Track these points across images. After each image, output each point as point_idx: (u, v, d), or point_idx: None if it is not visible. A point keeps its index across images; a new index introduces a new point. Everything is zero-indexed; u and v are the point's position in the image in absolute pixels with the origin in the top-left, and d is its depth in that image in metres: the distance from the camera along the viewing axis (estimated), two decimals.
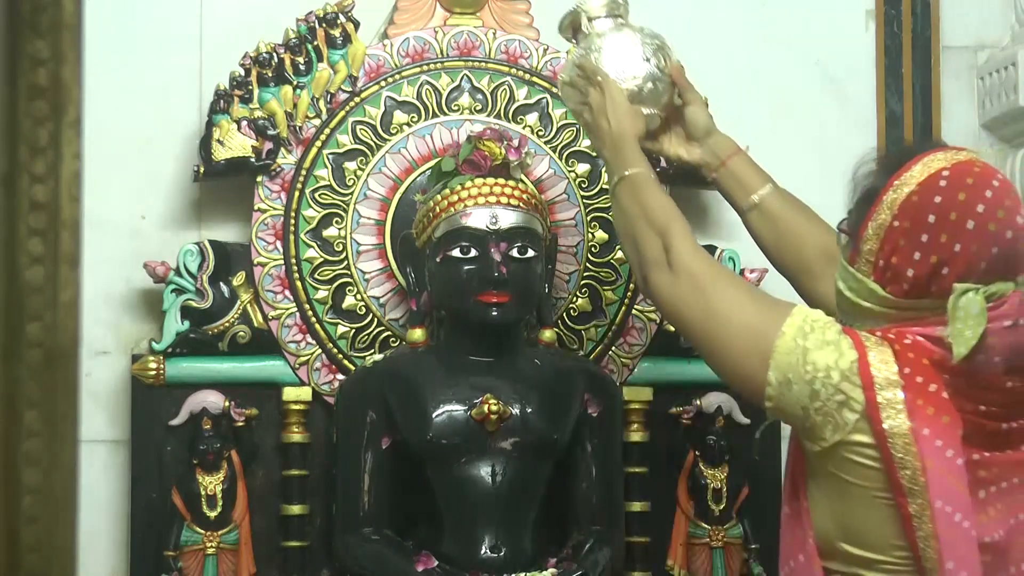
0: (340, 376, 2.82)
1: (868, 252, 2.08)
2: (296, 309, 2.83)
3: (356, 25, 2.88)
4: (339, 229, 2.84)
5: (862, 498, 2.04)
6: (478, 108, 2.90)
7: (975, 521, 1.99)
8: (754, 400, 2.14)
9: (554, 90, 2.89)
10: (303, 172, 2.84)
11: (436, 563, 2.59)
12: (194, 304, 2.79)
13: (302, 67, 2.85)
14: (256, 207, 2.83)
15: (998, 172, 2.10)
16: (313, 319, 2.83)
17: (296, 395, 2.82)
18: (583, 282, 2.91)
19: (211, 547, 2.77)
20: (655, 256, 2.29)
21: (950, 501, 1.98)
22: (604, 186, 2.92)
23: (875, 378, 2.01)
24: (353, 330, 2.84)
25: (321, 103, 2.85)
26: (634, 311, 2.94)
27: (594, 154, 2.93)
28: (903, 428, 1.99)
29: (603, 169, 2.70)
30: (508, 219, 2.68)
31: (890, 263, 2.06)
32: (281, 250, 2.83)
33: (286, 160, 2.84)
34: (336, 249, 2.84)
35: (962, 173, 2.06)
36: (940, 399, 2.01)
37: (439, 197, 2.71)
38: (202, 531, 2.77)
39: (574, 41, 2.61)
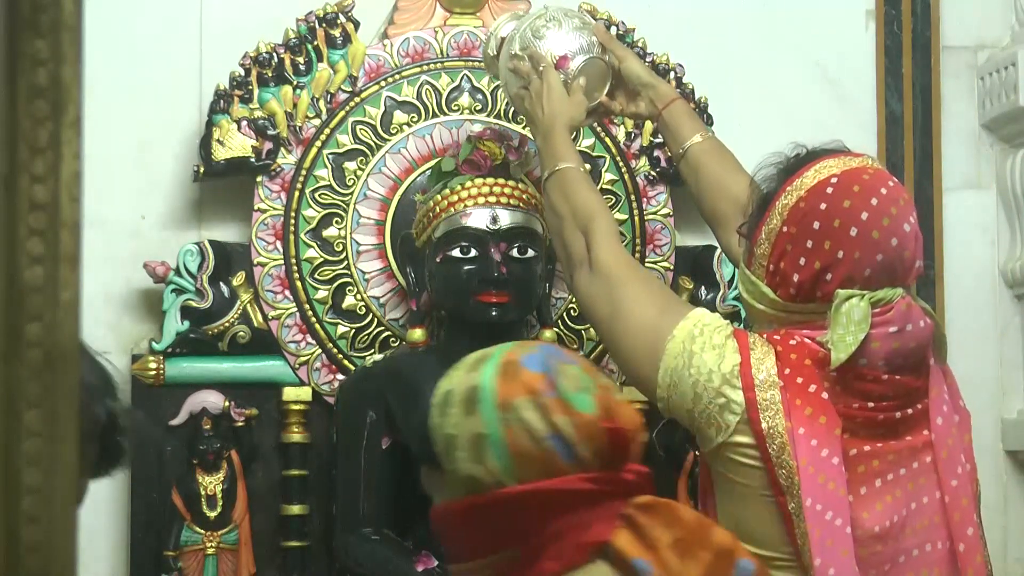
0: (340, 376, 2.82)
1: (761, 256, 2.13)
2: (296, 309, 2.83)
3: (356, 25, 2.88)
4: (339, 229, 2.84)
5: (750, 497, 2.08)
6: (478, 108, 2.91)
7: (849, 518, 2.03)
8: (652, 400, 2.19)
9: None
10: (303, 172, 2.84)
11: (436, 563, 2.59)
12: (194, 304, 2.79)
13: (302, 67, 2.85)
14: (256, 207, 2.83)
15: (889, 179, 2.14)
16: (313, 319, 2.83)
17: (296, 395, 2.82)
18: None
19: (211, 547, 2.77)
20: (580, 255, 2.34)
21: (821, 499, 2.02)
22: (604, 186, 2.93)
23: (755, 379, 2.05)
24: (353, 330, 2.84)
25: (321, 103, 2.85)
26: None
27: (593, 153, 2.94)
28: (780, 428, 2.04)
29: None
30: (508, 219, 2.69)
31: (779, 268, 2.11)
32: (281, 250, 2.83)
33: (286, 160, 2.84)
34: (336, 249, 2.84)
35: (850, 180, 2.10)
36: (819, 400, 2.05)
37: (439, 197, 2.71)
38: (202, 531, 2.77)
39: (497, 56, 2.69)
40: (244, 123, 2.81)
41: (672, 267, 2.96)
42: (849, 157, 2.14)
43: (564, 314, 2.91)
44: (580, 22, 2.63)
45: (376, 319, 2.86)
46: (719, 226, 2.51)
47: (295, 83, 2.84)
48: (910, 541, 2.09)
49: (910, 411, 2.11)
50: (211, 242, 2.82)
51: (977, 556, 2.11)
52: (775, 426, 2.04)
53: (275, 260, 2.83)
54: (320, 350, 2.83)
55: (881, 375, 2.08)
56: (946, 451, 2.12)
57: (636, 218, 2.95)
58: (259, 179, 2.83)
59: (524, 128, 2.89)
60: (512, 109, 2.89)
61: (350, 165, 2.85)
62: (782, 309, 2.12)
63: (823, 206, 2.08)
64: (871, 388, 2.08)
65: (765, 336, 2.11)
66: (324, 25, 2.86)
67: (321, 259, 2.84)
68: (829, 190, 2.08)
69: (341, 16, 2.86)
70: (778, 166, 2.17)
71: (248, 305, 2.83)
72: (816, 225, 2.07)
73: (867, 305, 2.04)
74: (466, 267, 2.67)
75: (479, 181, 2.70)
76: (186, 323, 2.79)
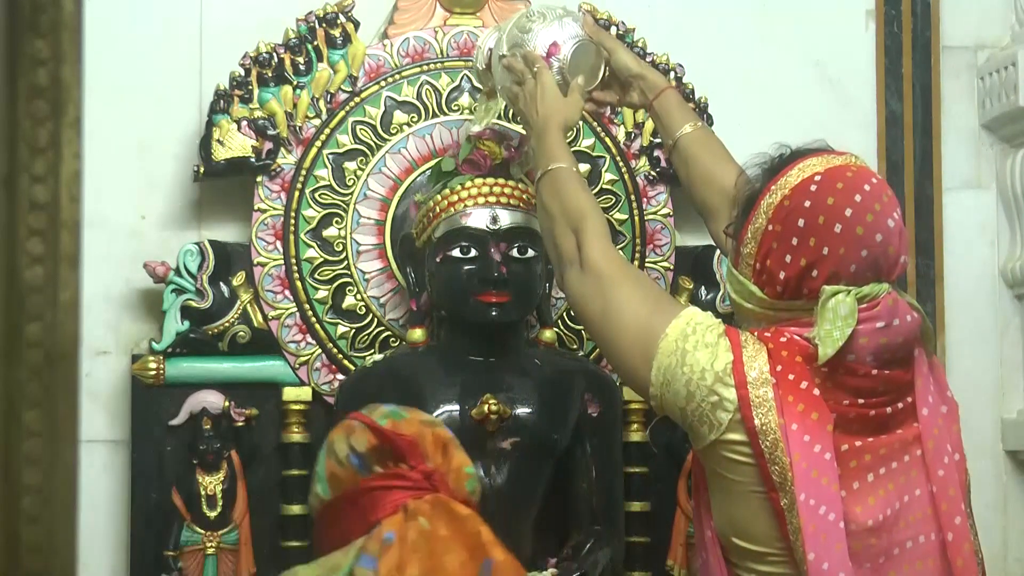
0: (340, 376, 2.82)
1: (747, 255, 2.15)
2: (296, 309, 2.83)
3: (356, 25, 2.88)
4: (339, 229, 2.84)
5: (742, 494, 2.10)
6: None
7: (842, 513, 2.05)
8: (644, 398, 2.21)
9: None
10: (303, 172, 2.84)
11: None
12: (194, 304, 2.79)
13: (302, 67, 2.85)
14: (256, 207, 2.83)
15: (873, 176, 2.16)
16: (313, 319, 2.83)
17: (296, 395, 2.82)
18: None
19: (211, 547, 2.77)
20: (570, 254, 2.34)
21: (814, 494, 2.04)
22: (604, 186, 2.93)
23: (748, 377, 2.07)
24: (353, 330, 2.84)
25: (321, 103, 2.85)
26: None
27: (593, 153, 2.94)
28: (773, 425, 2.06)
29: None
30: (508, 219, 2.69)
31: (765, 266, 2.13)
32: (281, 250, 2.83)
33: (286, 160, 2.84)
34: (336, 249, 2.84)
35: (833, 178, 2.12)
36: (810, 396, 2.07)
37: (439, 197, 2.71)
38: (202, 531, 2.77)
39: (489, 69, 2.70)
40: (244, 123, 2.81)
41: (672, 267, 2.96)
42: (832, 155, 2.17)
43: (564, 314, 2.91)
44: (563, 11, 2.65)
45: (376, 319, 2.86)
46: (709, 217, 2.53)
47: (295, 83, 2.84)
48: (904, 533, 2.11)
49: (900, 405, 2.13)
50: (211, 242, 2.82)
51: (965, 545, 2.12)
52: (768, 423, 2.05)
53: (275, 260, 2.83)
54: (320, 350, 2.83)
55: (870, 370, 2.09)
56: (932, 441, 2.13)
57: (636, 218, 2.95)
58: (259, 179, 2.83)
59: (524, 128, 2.89)
60: (511, 109, 2.89)
61: (350, 165, 2.85)
62: (769, 307, 2.13)
63: (807, 204, 2.10)
64: (861, 383, 2.10)
65: (756, 334, 2.12)
66: (324, 25, 2.86)
67: (321, 259, 2.84)
68: (813, 188, 2.10)
69: (341, 16, 2.86)
70: (762, 166, 2.19)
71: (248, 305, 2.83)
72: (801, 223, 2.09)
73: (853, 301, 2.06)
74: (466, 267, 2.67)
75: (479, 181, 2.70)
76: (186, 323, 2.79)
